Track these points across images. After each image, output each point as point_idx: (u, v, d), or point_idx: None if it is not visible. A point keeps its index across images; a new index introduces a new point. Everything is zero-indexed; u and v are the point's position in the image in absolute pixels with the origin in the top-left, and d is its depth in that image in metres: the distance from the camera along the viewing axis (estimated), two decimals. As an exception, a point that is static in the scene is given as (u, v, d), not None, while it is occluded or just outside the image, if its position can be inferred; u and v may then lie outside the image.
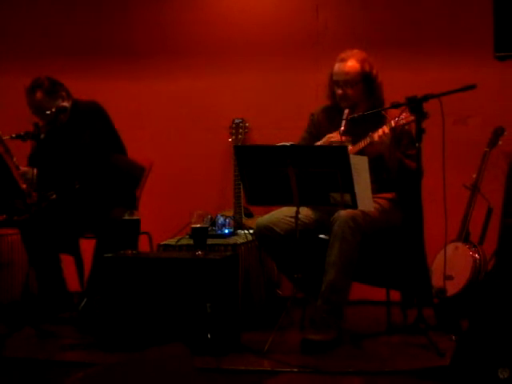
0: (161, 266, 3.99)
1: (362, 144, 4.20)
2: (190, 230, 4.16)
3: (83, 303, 4.50)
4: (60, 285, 4.66)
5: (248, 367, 3.69)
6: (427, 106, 3.94)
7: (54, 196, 4.71)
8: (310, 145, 4.35)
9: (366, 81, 4.35)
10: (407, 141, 4.26)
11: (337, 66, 4.38)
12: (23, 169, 4.67)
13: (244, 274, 4.47)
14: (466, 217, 4.76)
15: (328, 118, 4.49)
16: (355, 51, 4.39)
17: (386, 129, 4.10)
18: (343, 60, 4.36)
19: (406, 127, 4.16)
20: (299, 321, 4.39)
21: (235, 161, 4.50)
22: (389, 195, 4.32)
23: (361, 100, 4.37)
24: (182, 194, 5.60)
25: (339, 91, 4.37)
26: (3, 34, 5.87)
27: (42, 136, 4.37)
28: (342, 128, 4.24)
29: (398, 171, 4.22)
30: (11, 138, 4.46)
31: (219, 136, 5.46)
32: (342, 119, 4.29)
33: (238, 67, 5.55)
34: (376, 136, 4.12)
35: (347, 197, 3.80)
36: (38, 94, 4.65)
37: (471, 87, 3.95)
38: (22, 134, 4.37)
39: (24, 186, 4.62)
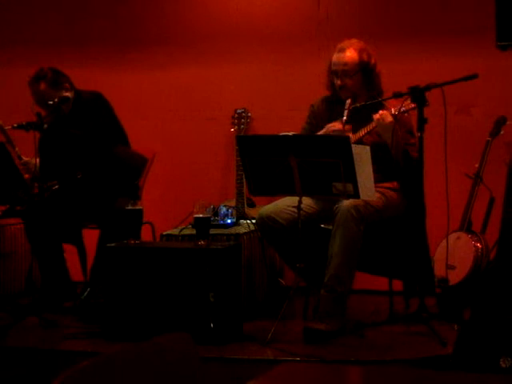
0: (164, 255, 4.00)
1: (368, 128, 4.18)
2: (193, 220, 4.17)
3: (85, 293, 4.51)
4: (63, 274, 4.68)
5: (251, 356, 3.71)
6: (429, 96, 3.94)
7: (57, 186, 4.71)
8: (312, 135, 4.34)
9: (365, 70, 4.32)
10: (404, 130, 4.25)
11: (335, 56, 4.36)
12: (25, 159, 4.69)
13: (246, 263, 4.47)
14: (468, 206, 4.76)
15: (328, 109, 4.47)
16: (353, 41, 4.36)
17: (385, 111, 4.09)
18: (341, 50, 4.34)
19: (406, 114, 4.14)
20: (302, 310, 4.39)
21: (237, 151, 4.50)
22: (391, 184, 4.32)
23: (360, 90, 4.35)
24: (184, 184, 5.60)
25: (338, 81, 4.35)
26: (5, 24, 5.86)
27: (45, 126, 4.37)
28: (345, 118, 4.23)
29: (403, 160, 4.21)
30: (13, 127, 4.46)
31: (222, 126, 5.46)
32: (342, 109, 4.26)
33: (240, 57, 5.54)
34: (375, 117, 4.11)
35: (349, 186, 3.81)
36: (42, 85, 4.65)
37: (473, 77, 3.95)
38: (23, 123, 4.37)
39: (26, 176, 4.63)
